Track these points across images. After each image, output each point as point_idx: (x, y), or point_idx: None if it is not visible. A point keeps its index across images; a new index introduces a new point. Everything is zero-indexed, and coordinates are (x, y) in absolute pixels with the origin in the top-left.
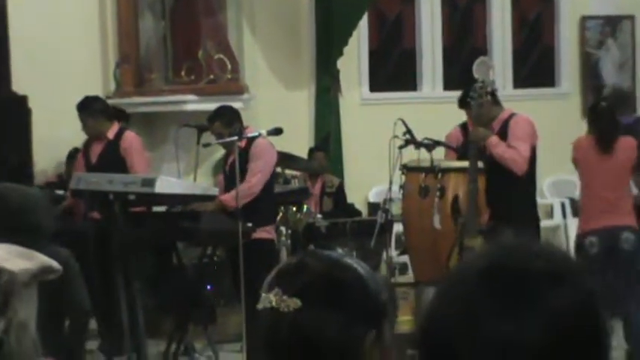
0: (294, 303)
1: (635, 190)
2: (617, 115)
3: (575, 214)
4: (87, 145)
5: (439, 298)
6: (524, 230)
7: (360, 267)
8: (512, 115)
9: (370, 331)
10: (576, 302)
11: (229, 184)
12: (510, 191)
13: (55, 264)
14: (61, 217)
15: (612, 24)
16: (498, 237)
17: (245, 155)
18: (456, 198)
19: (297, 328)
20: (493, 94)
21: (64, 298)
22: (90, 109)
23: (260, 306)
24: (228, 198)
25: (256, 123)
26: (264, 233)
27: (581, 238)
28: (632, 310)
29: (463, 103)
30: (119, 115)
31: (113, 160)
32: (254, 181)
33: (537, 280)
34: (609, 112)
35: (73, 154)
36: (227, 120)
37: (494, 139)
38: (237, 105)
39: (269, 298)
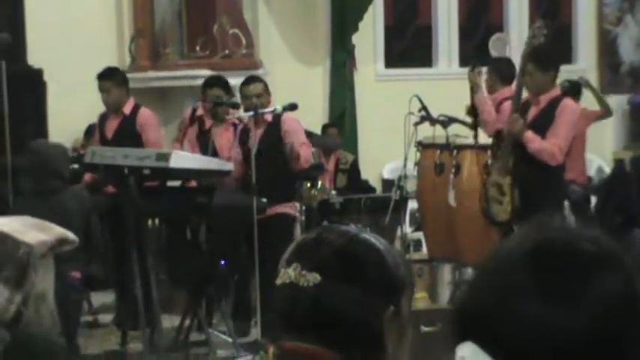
0: (314, 277)
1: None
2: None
3: (590, 191)
4: (102, 119)
5: (481, 280)
6: (551, 210)
7: (379, 242)
8: (562, 96)
9: (389, 306)
10: (624, 286)
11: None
12: (540, 171)
13: (70, 235)
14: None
15: (631, 0)
16: (529, 217)
17: (274, 131)
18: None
19: (317, 303)
20: (549, 62)
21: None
22: (116, 78)
23: (279, 281)
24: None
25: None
26: (286, 208)
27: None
28: None
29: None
30: (227, 88)
31: (129, 135)
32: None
33: (586, 263)
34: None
35: (90, 130)
36: (266, 86)
37: (529, 135)
38: None
39: (288, 274)
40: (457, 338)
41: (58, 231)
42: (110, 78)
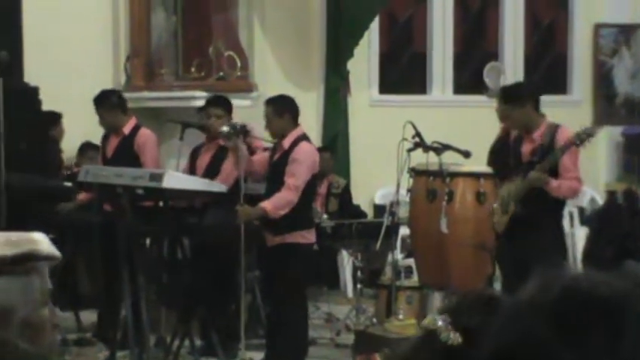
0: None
1: None
2: None
3: (583, 222)
4: (105, 138)
5: (506, 323)
6: (549, 237)
7: None
8: (558, 127)
9: None
10: None
11: (270, 185)
12: (541, 198)
13: (44, 250)
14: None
15: (626, 32)
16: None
17: (285, 157)
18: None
19: None
20: (537, 99)
21: None
22: (107, 103)
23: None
24: (272, 209)
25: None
26: (299, 237)
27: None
28: None
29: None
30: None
31: (127, 155)
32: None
33: (615, 310)
34: None
35: (84, 148)
36: (278, 108)
37: (554, 183)
38: (245, 103)
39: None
40: None
41: (27, 247)
42: (100, 103)
